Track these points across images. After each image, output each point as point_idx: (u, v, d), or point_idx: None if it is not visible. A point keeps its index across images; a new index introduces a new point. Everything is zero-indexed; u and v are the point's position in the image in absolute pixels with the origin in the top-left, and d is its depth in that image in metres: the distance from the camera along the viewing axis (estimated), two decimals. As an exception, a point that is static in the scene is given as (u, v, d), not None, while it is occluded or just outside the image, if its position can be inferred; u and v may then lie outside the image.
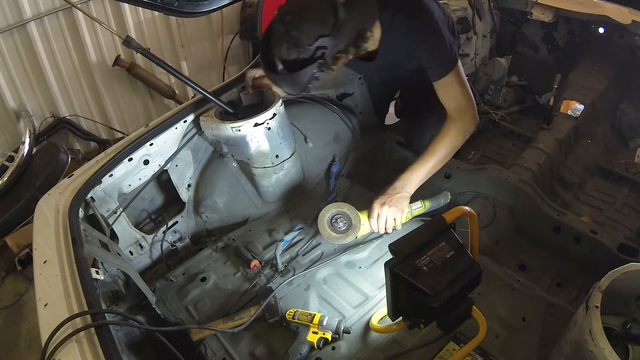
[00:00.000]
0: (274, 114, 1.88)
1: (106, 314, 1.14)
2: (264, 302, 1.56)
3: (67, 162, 3.21)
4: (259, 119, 1.84)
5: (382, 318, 1.53)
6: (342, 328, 1.50)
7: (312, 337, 1.46)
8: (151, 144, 1.80)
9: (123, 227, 1.77)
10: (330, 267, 1.80)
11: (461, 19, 3.50)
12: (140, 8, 3.83)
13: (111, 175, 1.70)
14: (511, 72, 3.38)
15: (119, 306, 1.60)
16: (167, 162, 1.89)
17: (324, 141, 2.36)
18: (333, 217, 1.81)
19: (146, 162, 1.82)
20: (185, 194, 2.02)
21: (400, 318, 1.36)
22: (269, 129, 1.89)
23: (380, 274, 1.57)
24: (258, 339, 1.54)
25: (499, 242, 2.04)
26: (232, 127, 1.82)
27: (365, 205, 2.10)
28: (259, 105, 2.01)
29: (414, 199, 1.84)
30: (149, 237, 1.88)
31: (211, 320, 1.58)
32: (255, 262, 1.79)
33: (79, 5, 3.32)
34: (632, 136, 3.07)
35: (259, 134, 1.88)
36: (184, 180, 2.01)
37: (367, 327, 1.54)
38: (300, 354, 1.42)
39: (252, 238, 1.97)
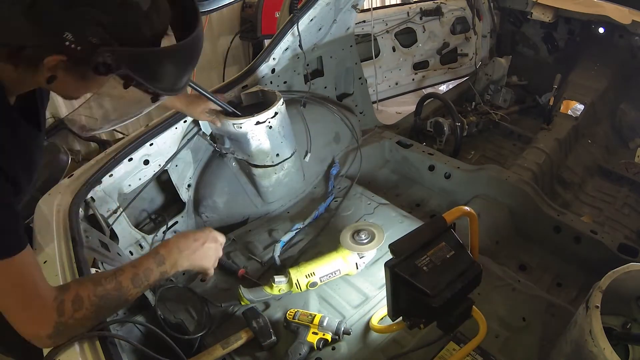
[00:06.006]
0: (276, 113, 1.88)
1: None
2: (252, 324, 1.51)
3: (67, 163, 3.20)
4: (261, 117, 1.84)
5: (382, 318, 1.53)
6: (342, 329, 1.49)
7: (312, 338, 1.46)
8: (151, 144, 1.80)
9: (123, 227, 1.77)
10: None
11: (460, 18, 3.51)
12: (140, 8, 3.82)
13: (111, 175, 1.70)
14: (511, 72, 3.39)
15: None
16: (167, 162, 1.89)
17: (323, 141, 2.36)
18: (355, 232, 1.75)
19: (146, 162, 1.82)
20: (185, 194, 2.02)
21: (400, 318, 1.36)
22: (270, 127, 1.89)
23: (380, 274, 1.57)
24: (258, 339, 1.54)
25: (499, 242, 2.04)
26: (233, 124, 1.82)
27: (365, 206, 2.11)
28: (260, 105, 2.01)
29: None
30: (149, 237, 1.88)
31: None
32: (242, 271, 1.77)
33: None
34: (632, 136, 3.07)
35: (260, 132, 1.88)
36: (184, 180, 2.01)
37: (367, 327, 1.54)
38: (300, 354, 1.42)
39: (252, 238, 1.97)
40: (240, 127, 1.83)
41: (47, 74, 0.83)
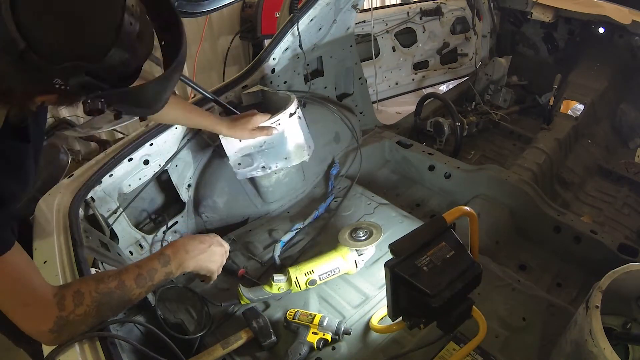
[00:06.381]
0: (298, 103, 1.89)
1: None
2: (252, 324, 1.51)
3: (68, 163, 3.20)
4: (291, 108, 1.81)
5: (382, 318, 1.53)
6: (342, 329, 1.49)
7: (312, 338, 1.46)
8: (151, 144, 1.80)
9: (123, 227, 1.77)
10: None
11: (460, 18, 3.52)
12: (140, 8, 3.82)
13: (111, 175, 1.70)
14: (511, 72, 3.39)
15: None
16: (167, 162, 1.89)
17: (323, 141, 2.36)
18: (353, 230, 1.76)
19: (146, 162, 1.82)
20: (185, 194, 2.02)
21: (400, 318, 1.36)
22: (300, 118, 1.87)
23: (380, 274, 1.57)
24: (258, 339, 1.54)
25: (499, 242, 2.04)
26: (274, 122, 1.80)
27: (365, 206, 2.11)
28: (260, 104, 2.01)
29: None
30: (149, 237, 1.88)
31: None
32: (242, 271, 1.77)
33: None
34: (632, 136, 3.07)
35: (293, 124, 1.85)
36: (184, 180, 2.01)
37: (367, 327, 1.54)
38: (300, 354, 1.42)
39: (252, 238, 1.97)
40: (279, 124, 1.81)
41: (36, 104, 0.87)
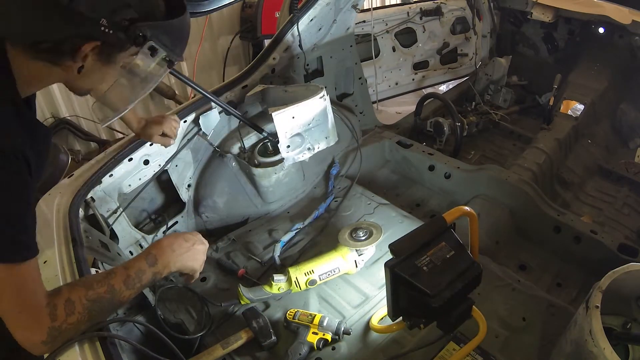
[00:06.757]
0: None
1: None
2: (252, 324, 1.51)
3: (68, 163, 3.20)
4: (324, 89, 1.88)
5: (382, 318, 1.53)
6: (342, 329, 1.49)
7: (312, 338, 1.46)
8: (151, 144, 1.80)
9: (123, 227, 1.77)
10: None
11: (460, 18, 3.52)
12: (140, 8, 3.82)
13: (111, 175, 1.70)
14: (511, 72, 3.39)
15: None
16: (167, 162, 1.89)
17: (324, 141, 2.36)
18: (353, 230, 1.76)
19: (146, 162, 1.82)
20: (185, 194, 2.02)
21: (400, 318, 1.36)
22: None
23: (380, 274, 1.57)
24: (258, 339, 1.54)
25: (499, 242, 2.04)
26: (320, 97, 1.87)
27: (365, 206, 2.11)
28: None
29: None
30: (149, 237, 1.88)
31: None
32: (242, 271, 1.78)
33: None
34: (632, 136, 3.07)
35: (329, 103, 1.93)
36: (184, 180, 2.01)
37: (367, 327, 1.54)
38: (300, 354, 1.42)
39: (252, 238, 1.97)
40: (325, 100, 1.86)
41: (79, 64, 0.91)
